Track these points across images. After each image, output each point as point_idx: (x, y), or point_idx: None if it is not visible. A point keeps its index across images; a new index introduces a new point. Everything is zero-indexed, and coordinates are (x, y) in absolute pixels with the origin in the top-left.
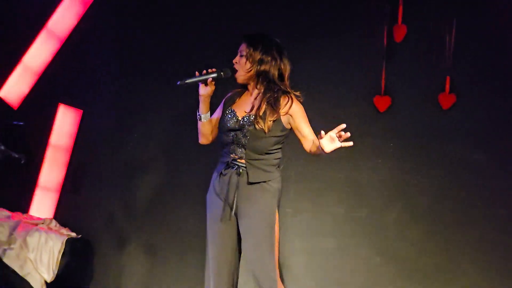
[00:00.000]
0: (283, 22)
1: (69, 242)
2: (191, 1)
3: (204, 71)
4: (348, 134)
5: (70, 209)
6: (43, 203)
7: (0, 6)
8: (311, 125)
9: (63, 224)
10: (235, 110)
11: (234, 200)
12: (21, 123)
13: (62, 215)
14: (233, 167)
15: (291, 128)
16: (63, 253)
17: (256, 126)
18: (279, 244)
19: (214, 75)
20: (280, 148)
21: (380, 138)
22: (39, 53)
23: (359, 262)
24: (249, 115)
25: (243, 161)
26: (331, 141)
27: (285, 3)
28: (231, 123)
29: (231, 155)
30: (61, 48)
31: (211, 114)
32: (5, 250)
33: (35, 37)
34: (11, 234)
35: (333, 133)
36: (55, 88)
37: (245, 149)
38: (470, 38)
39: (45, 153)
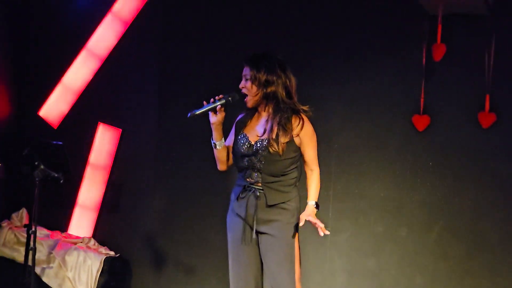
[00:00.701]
0: (322, 42)
1: (108, 261)
2: (230, 23)
3: (212, 99)
4: (327, 233)
5: (108, 228)
6: (82, 222)
7: (41, 27)
8: (353, 143)
9: (101, 243)
10: (247, 135)
11: (253, 223)
12: (60, 143)
13: (101, 234)
14: (250, 190)
15: None
16: (102, 272)
17: (270, 150)
18: (300, 260)
19: (223, 101)
20: (296, 167)
21: (419, 157)
22: (79, 73)
23: (400, 281)
24: (262, 140)
25: (259, 184)
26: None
27: (324, 23)
28: (244, 149)
29: (247, 180)
30: (100, 67)
31: (225, 139)
32: (44, 268)
33: (75, 57)
34: (50, 253)
35: (310, 220)
36: (95, 107)
37: (261, 173)
38: (509, 56)
39: (84, 172)
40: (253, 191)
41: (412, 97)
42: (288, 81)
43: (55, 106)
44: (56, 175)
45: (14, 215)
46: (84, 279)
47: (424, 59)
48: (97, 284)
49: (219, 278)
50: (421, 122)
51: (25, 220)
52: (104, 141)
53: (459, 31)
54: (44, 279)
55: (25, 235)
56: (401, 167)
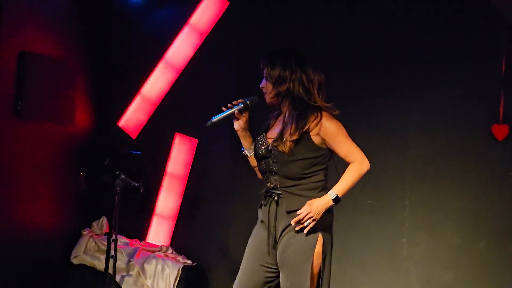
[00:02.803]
0: (398, 50)
1: (185, 269)
2: (305, 35)
3: (230, 105)
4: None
5: (185, 237)
6: (159, 231)
7: (120, 39)
8: (429, 152)
9: (179, 251)
10: (266, 136)
11: (274, 232)
12: (139, 153)
13: (178, 242)
14: (271, 196)
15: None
16: (179, 280)
17: (279, 149)
18: (327, 274)
19: (240, 106)
20: (321, 169)
21: (498, 168)
22: (157, 84)
23: None
24: (276, 139)
25: (279, 189)
26: None
27: (401, 31)
28: (261, 150)
29: (268, 184)
30: (178, 78)
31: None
32: (123, 276)
33: (154, 68)
34: (129, 261)
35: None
36: (172, 117)
37: (278, 176)
38: None
39: (162, 182)
40: (273, 197)
41: (491, 106)
42: (305, 77)
43: (134, 117)
44: (136, 184)
45: (94, 223)
46: (162, 287)
47: (503, 67)
48: None
49: None
50: (500, 131)
51: (105, 228)
52: (181, 151)
53: None
54: (124, 286)
55: (105, 243)
56: (479, 177)
